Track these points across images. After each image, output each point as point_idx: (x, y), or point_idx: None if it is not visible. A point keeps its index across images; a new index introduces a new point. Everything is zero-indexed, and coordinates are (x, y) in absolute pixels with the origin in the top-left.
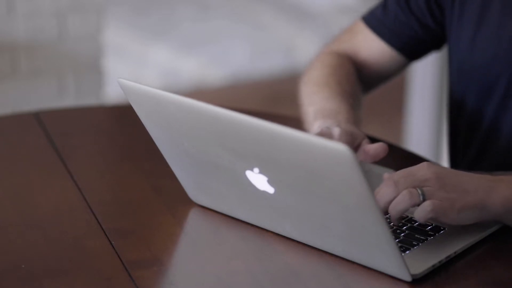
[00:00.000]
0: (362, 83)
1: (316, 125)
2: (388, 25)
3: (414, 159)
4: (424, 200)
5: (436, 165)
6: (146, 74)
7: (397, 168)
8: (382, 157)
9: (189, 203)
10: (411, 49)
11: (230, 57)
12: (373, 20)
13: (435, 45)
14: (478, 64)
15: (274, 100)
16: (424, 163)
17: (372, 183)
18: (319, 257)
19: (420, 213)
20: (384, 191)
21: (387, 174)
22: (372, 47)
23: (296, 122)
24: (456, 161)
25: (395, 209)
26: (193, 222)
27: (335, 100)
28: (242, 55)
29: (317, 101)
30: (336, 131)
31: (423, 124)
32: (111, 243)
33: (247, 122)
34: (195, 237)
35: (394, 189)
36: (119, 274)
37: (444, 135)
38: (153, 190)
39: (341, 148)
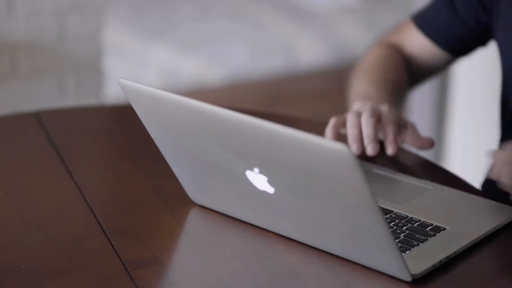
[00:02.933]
0: (410, 75)
1: (354, 105)
2: (434, 24)
3: (414, 159)
4: None
5: None
6: (146, 74)
7: (397, 168)
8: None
9: (189, 203)
10: (455, 46)
11: (230, 57)
12: (419, 18)
13: (479, 43)
14: None
15: (274, 100)
16: None
17: (372, 183)
18: (319, 257)
19: None
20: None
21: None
22: (419, 45)
23: (296, 122)
24: None
25: (501, 177)
26: (193, 222)
27: (374, 86)
28: (242, 55)
29: (358, 85)
30: (384, 108)
31: (423, 124)
32: (111, 243)
33: (247, 122)
34: (195, 237)
35: (504, 163)
36: (119, 274)
37: (444, 135)
38: (153, 190)
39: (341, 148)
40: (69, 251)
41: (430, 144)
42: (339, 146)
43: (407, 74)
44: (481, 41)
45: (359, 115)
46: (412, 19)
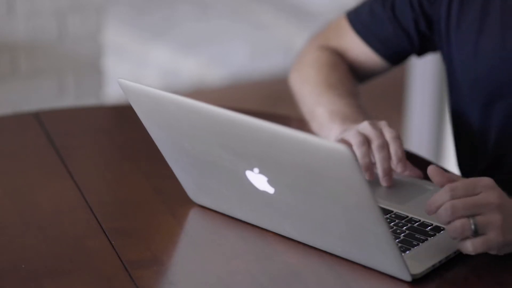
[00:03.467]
0: None
1: (336, 127)
2: (374, 31)
3: (414, 159)
4: (476, 230)
5: (502, 193)
6: (146, 74)
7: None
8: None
9: (189, 203)
10: (394, 55)
11: (230, 57)
12: (358, 23)
13: (416, 53)
14: (483, 70)
15: (274, 100)
16: (490, 182)
17: (372, 183)
18: (319, 257)
19: (462, 248)
20: (440, 213)
21: (448, 185)
22: (358, 51)
23: (296, 122)
24: (466, 176)
25: (449, 234)
26: (193, 222)
27: (346, 103)
28: (242, 55)
29: (326, 102)
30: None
31: (423, 124)
32: (111, 243)
33: (247, 122)
34: (195, 237)
35: (450, 214)
36: (119, 274)
37: (445, 135)
38: (153, 190)
39: (341, 148)
40: (69, 251)
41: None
42: (339, 146)
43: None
44: (419, 52)
45: (366, 142)
46: (351, 23)
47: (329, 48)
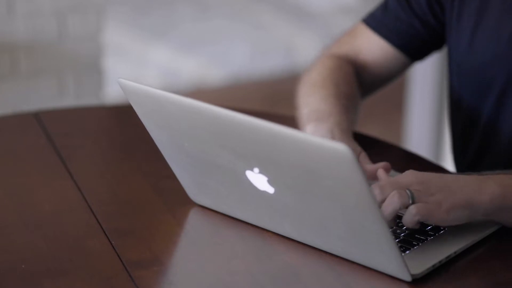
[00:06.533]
0: (363, 85)
1: (308, 128)
2: (389, 25)
3: (414, 159)
4: (413, 202)
5: (420, 172)
6: (146, 74)
7: (397, 168)
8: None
9: (189, 203)
10: (413, 48)
11: (230, 57)
12: (373, 21)
13: (436, 44)
14: (476, 63)
15: (274, 100)
16: (408, 171)
17: (372, 183)
18: (319, 257)
19: (407, 218)
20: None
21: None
22: (374, 47)
23: (296, 122)
24: (457, 161)
25: (386, 210)
26: (193, 222)
27: (328, 102)
28: (242, 55)
29: (311, 102)
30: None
31: (423, 124)
32: (111, 243)
33: (247, 122)
34: (195, 237)
35: (380, 192)
36: (119, 274)
37: (444, 135)
38: (153, 190)
39: (341, 148)
40: (69, 251)
41: (386, 168)
42: (339, 146)
43: (359, 86)
44: (439, 42)
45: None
46: (365, 22)
47: (340, 55)
